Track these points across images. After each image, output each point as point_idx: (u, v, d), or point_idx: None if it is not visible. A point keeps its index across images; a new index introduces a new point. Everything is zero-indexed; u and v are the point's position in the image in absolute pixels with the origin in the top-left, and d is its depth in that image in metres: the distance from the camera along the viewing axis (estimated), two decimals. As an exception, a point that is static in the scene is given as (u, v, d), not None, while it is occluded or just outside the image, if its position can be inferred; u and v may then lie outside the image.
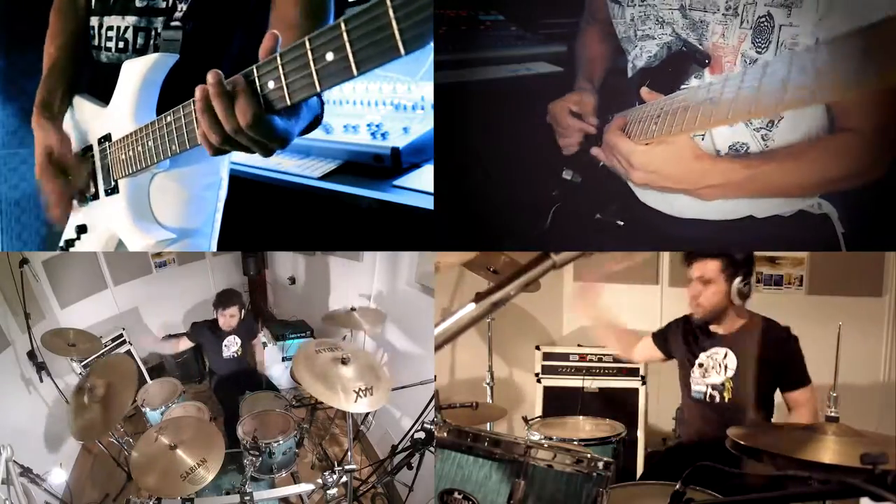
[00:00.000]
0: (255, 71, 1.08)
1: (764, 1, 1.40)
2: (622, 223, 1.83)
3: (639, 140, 1.48)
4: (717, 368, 2.16)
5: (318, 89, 0.99)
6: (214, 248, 1.63)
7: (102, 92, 1.59)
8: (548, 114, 1.87)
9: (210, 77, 1.11)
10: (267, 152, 1.21)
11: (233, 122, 1.10)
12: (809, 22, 1.35)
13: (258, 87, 1.08)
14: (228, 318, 3.43)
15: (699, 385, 2.19)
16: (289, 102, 1.05)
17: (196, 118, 1.20)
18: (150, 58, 1.50)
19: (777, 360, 2.11)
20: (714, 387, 2.16)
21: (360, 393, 2.30)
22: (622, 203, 1.81)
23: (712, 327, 2.21)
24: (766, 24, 1.41)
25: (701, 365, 2.20)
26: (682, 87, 1.58)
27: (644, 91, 1.52)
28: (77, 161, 1.61)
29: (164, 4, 1.55)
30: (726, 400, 2.13)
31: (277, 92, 1.06)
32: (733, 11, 1.46)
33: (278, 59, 1.03)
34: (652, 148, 1.45)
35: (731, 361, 2.14)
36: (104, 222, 1.63)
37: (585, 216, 1.83)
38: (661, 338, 2.39)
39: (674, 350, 2.33)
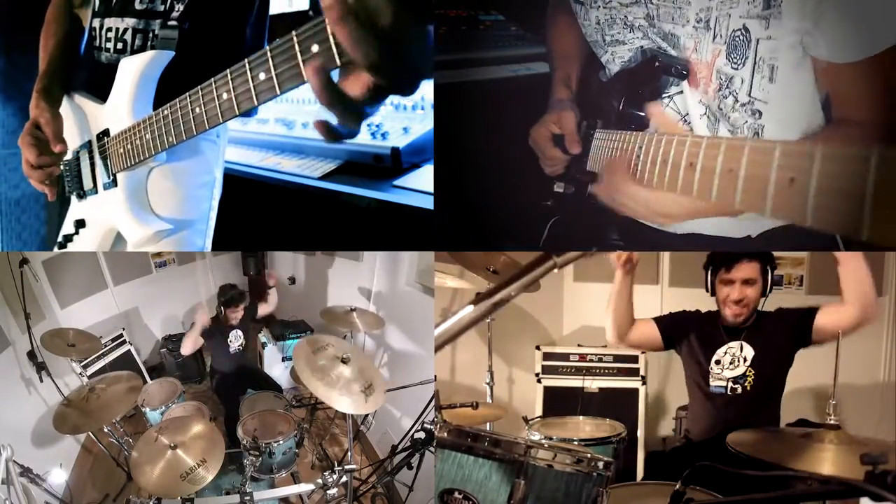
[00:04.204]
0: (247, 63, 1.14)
1: (738, 13, 1.31)
2: (622, 243, 1.81)
3: (651, 185, 1.31)
4: (735, 362, 2.17)
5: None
6: (209, 245, 1.67)
7: (102, 91, 1.62)
8: (529, 138, 1.81)
9: None
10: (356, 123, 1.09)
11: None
12: (791, 35, 1.29)
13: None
14: (240, 312, 3.48)
15: (719, 381, 2.18)
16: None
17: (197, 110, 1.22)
18: (147, 55, 1.54)
19: (788, 325, 2.13)
20: (735, 379, 2.16)
21: (366, 391, 2.30)
22: (618, 219, 1.79)
23: (729, 322, 2.20)
24: (741, 38, 1.33)
25: (718, 362, 2.20)
26: (664, 95, 1.56)
27: (653, 108, 1.42)
28: (57, 136, 1.64)
29: (162, 7, 1.59)
30: (748, 388, 2.14)
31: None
32: (704, 24, 1.38)
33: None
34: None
35: (749, 352, 2.16)
36: (103, 216, 1.66)
37: (581, 229, 1.79)
38: (667, 324, 2.33)
39: (681, 345, 2.30)
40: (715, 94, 1.46)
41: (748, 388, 2.15)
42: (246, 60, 1.14)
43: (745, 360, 2.16)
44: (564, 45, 1.88)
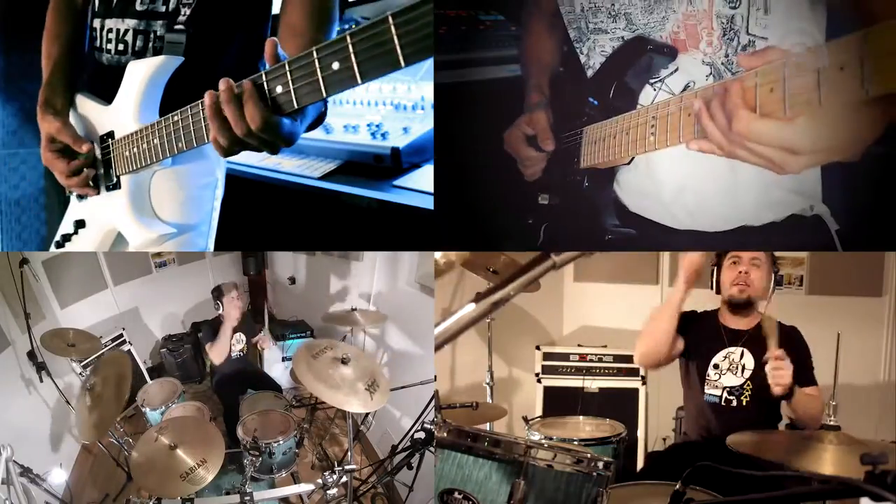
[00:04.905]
0: (264, 76, 1.14)
1: None
2: (630, 230, 1.80)
3: (778, 112, 1.07)
4: (733, 369, 2.13)
5: (325, 95, 1.06)
6: (212, 247, 1.66)
7: (103, 92, 1.61)
8: (504, 143, 1.81)
9: (221, 84, 1.16)
10: (275, 150, 1.27)
11: (243, 126, 1.15)
12: None
13: (266, 92, 1.14)
14: (236, 300, 3.43)
15: (714, 388, 2.14)
16: (296, 106, 1.12)
17: (206, 122, 1.26)
18: (156, 59, 1.53)
19: (791, 358, 2.09)
20: (731, 390, 2.11)
21: (370, 388, 2.31)
22: (612, 214, 1.77)
23: (733, 322, 2.19)
24: None
25: (716, 366, 2.16)
26: (654, 80, 1.55)
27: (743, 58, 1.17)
28: (77, 138, 1.61)
29: (163, 8, 1.58)
30: (744, 403, 2.10)
31: (285, 96, 1.12)
32: None
33: (287, 66, 1.09)
34: (810, 116, 1.05)
35: (749, 361, 2.12)
36: (104, 217, 1.66)
37: (578, 230, 1.77)
38: (684, 322, 2.22)
39: (689, 343, 2.22)
40: (720, 42, 1.44)
41: (744, 402, 2.10)
42: (263, 73, 1.14)
43: (743, 368, 2.12)
44: (538, 52, 1.88)
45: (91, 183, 1.66)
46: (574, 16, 1.66)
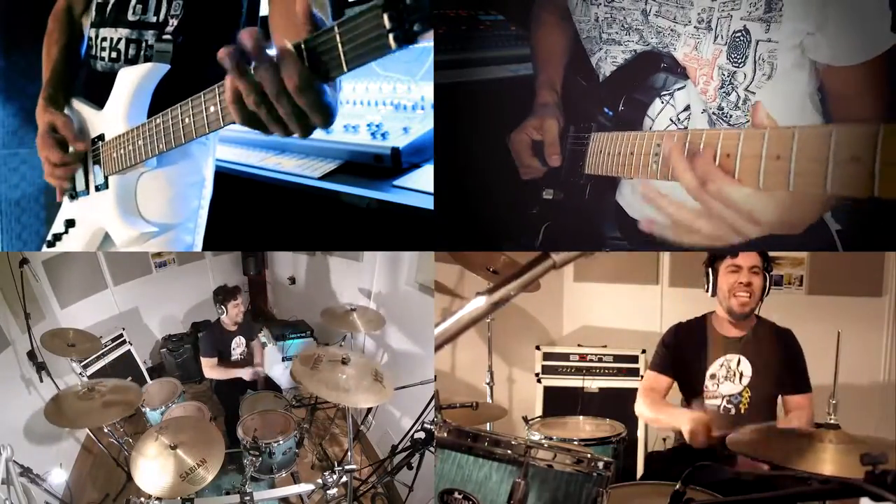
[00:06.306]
0: (302, 44, 1.00)
1: (740, 14, 1.35)
2: (624, 241, 1.80)
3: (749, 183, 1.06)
4: (731, 377, 2.11)
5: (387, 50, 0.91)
6: (200, 244, 1.71)
7: (97, 97, 1.68)
8: (509, 142, 1.78)
9: (246, 36, 0.99)
10: (306, 129, 1.08)
11: (276, 85, 0.99)
12: (791, 38, 1.33)
13: (305, 55, 0.99)
14: (239, 308, 3.45)
15: (713, 399, 2.12)
16: (346, 70, 0.97)
17: (193, 117, 1.25)
18: (144, 66, 1.61)
19: (785, 362, 2.10)
20: (729, 399, 2.10)
21: (378, 379, 2.35)
22: (613, 221, 1.78)
23: (728, 329, 2.16)
24: (741, 39, 1.36)
25: (713, 376, 2.14)
26: (664, 94, 1.55)
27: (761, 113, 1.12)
28: (76, 135, 1.68)
29: (154, 19, 1.65)
30: (742, 411, 2.08)
31: (334, 61, 0.97)
32: (706, 25, 1.40)
33: (336, 28, 0.96)
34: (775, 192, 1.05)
35: (746, 368, 2.10)
36: (92, 216, 1.71)
37: (577, 232, 1.77)
38: (661, 362, 2.25)
39: (680, 365, 2.21)
40: (716, 93, 1.46)
41: (742, 410, 2.09)
42: (302, 40, 1.03)
43: (741, 376, 2.10)
44: (550, 46, 1.87)
45: (73, 180, 1.73)
46: (588, 24, 1.65)
